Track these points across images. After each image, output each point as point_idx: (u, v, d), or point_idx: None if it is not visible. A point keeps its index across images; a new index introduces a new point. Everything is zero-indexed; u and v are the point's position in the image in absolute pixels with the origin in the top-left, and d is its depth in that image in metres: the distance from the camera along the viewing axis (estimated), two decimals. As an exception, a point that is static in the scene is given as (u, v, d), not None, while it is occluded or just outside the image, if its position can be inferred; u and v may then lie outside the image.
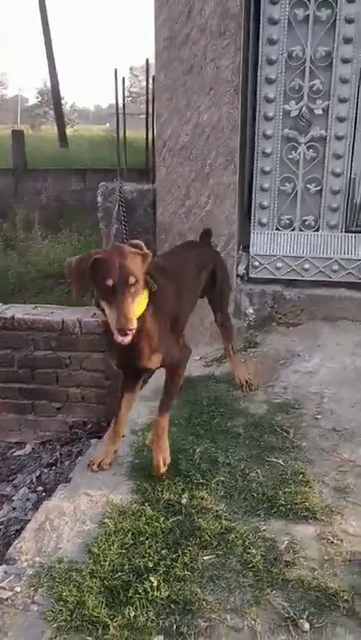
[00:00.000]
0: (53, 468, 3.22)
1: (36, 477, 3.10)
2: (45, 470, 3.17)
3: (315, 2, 3.17)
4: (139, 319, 1.91)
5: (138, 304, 1.91)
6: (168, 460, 2.18)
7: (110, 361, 2.40)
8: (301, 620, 1.59)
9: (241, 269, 3.57)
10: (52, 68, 12.13)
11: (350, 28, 3.17)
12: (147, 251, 1.99)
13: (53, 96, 13.00)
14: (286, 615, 1.61)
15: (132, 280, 1.83)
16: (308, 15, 3.19)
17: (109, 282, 1.82)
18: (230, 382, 2.89)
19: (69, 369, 3.70)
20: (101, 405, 3.71)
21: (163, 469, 2.16)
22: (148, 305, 2.02)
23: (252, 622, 1.60)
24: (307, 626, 1.58)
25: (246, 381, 2.83)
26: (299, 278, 3.39)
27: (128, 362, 2.18)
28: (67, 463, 3.25)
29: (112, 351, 2.32)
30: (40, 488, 3.02)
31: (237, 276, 3.56)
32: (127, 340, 1.85)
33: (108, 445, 2.34)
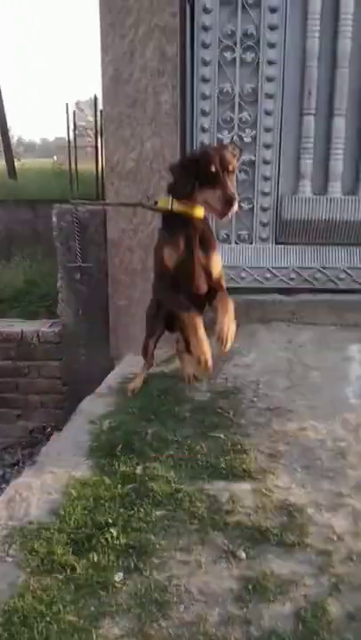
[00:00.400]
0: (16, 467, 3.43)
1: (0, 476, 3.30)
2: (9, 470, 3.38)
3: (241, 46, 3.65)
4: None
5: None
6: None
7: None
8: (239, 551, 1.90)
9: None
10: (-2, 104, 12.40)
11: (272, 69, 3.66)
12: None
13: (1, 129, 13.20)
14: (226, 549, 1.92)
15: (230, 168, 2.22)
16: (236, 58, 3.67)
17: (212, 168, 2.19)
18: (177, 376, 3.21)
19: (28, 377, 3.94)
20: (60, 410, 3.96)
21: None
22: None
23: (198, 557, 1.89)
24: (243, 555, 1.89)
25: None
26: (236, 285, 3.78)
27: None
28: (29, 463, 3.46)
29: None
30: (4, 485, 3.23)
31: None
32: (234, 209, 2.20)
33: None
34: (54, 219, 3.84)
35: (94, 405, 3.07)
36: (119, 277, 3.78)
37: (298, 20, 3.61)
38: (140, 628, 1.63)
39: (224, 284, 2.59)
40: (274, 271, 3.85)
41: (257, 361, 3.31)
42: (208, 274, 2.52)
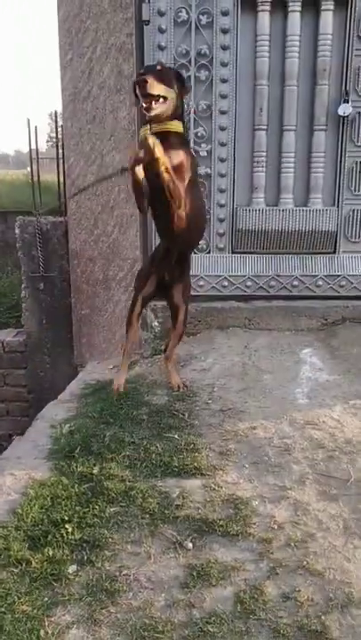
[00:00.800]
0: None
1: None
2: (-27, 476, 3.42)
3: (195, 65, 3.82)
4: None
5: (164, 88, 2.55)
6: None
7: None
8: (186, 542, 2.03)
9: (147, 289, 4.07)
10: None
11: (225, 86, 3.84)
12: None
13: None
14: (174, 540, 2.05)
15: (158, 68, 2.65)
16: (190, 76, 3.83)
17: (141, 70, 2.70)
18: (137, 382, 3.34)
19: (-6, 386, 4.02)
20: (25, 418, 4.03)
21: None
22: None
23: (148, 548, 2.02)
24: (190, 545, 2.02)
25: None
26: (195, 294, 3.92)
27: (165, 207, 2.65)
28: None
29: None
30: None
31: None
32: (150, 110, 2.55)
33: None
34: (17, 230, 3.94)
35: (56, 411, 3.18)
36: (81, 287, 3.89)
37: (248, 40, 3.79)
38: (91, 615, 1.75)
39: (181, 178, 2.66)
40: (231, 279, 4.01)
41: (214, 365, 3.45)
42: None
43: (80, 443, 2.66)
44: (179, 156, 2.62)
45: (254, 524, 2.12)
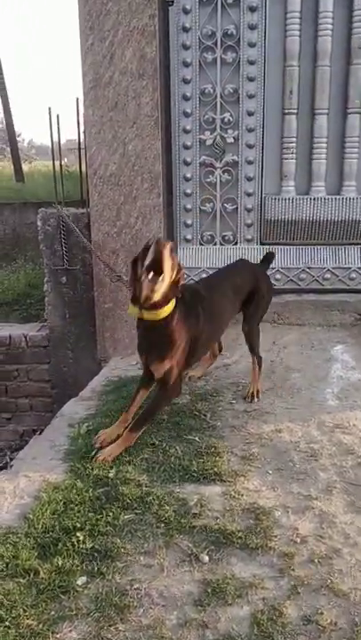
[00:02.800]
0: (3, 471, 3.45)
1: (-14, 480, 3.32)
2: (-5, 473, 3.40)
3: (221, 47, 3.64)
4: (165, 319, 2.34)
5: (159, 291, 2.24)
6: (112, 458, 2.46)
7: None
8: (202, 555, 1.91)
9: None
10: (5, 107, 12.48)
11: (253, 69, 3.66)
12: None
13: (8, 133, 13.35)
14: (190, 552, 1.93)
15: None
16: (216, 58, 3.67)
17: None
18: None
19: (17, 381, 3.97)
20: (49, 413, 3.98)
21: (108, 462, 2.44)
22: (174, 312, 2.39)
23: (162, 560, 1.91)
24: (206, 558, 1.90)
25: (252, 393, 2.94)
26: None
27: (146, 358, 2.52)
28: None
29: (138, 346, 2.58)
30: (-10, 488, 3.25)
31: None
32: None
33: (113, 428, 2.61)
34: (39, 222, 3.86)
35: (76, 408, 3.10)
36: (104, 280, 3.79)
37: (278, 18, 3.60)
38: (98, 633, 1.65)
39: (166, 398, 2.61)
40: (259, 272, 3.84)
41: (239, 363, 3.31)
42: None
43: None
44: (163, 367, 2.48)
45: (275, 536, 1.98)
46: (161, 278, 2.22)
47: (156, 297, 2.26)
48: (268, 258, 3.18)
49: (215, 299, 2.73)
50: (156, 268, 2.20)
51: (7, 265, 8.90)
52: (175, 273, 2.31)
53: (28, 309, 4.96)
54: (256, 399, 2.91)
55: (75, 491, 2.26)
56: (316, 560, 1.87)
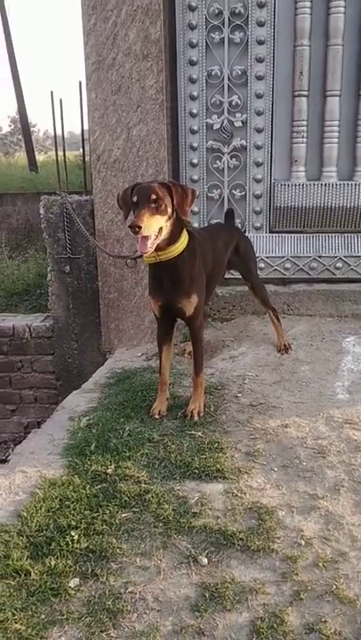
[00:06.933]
0: (6, 463, 3.40)
1: (-12, 472, 3.27)
2: (-2, 465, 3.35)
3: (229, 26, 3.50)
4: (181, 255, 2.40)
5: (157, 220, 2.24)
6: (202, 413, 2.61)
7: (152, 306, 2.65)
8: (201, 557, 1.82)
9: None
10: (19, 96, 12.41)
11: (262, 49, 3.51)
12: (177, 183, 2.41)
13: (22, 123, 13.33)
14: (188, 554, 1.84)
15: (152, 197, 2.21)
16: (224, 38, 3.52)
17: (135, 198, 2.24)
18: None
19: (21, 372, 3.91)
20: (54, 405, 3.90)
21: (196, 418, 2.58)
22: (188, 247, 2.44)
23: (158, 562, 1.82)
24: (205, 561, 1.81)
25: (285, 345, 3.19)
26: (230, 277, 3.66)
27: (168, 301, 2.53)
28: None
29: (155, 293, 2.58)
30: (-9, 481, 3.19)
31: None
32: (145, 248, 2.23)
33: (160, 396, 2.69)
34: (41, 210, 3.77)
35: (77, 401, 3.02)
36: (109, 269, 3.70)
37: (288, -5, 3.44)
38: (89, 638, 1.57)
39: (201, 335, 2.69)
40: (268, 261, 3.72)
41: (247, 355, 3.20)
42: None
43: (97, 438, 2.49)
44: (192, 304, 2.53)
45: (279, 538, 1.88)
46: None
47: (145, 226, 2.19)
48: (230, 214, 3.27)
49: (213, 244, 2.83)
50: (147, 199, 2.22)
51: (19, 255, 8.89)
52: (177, 199, 2.28)
53: (38, 299, 4.90)
54: (291, 351, 3.17)
55: (72, 487, 2.18)
56: (320, 564, 1.77)
